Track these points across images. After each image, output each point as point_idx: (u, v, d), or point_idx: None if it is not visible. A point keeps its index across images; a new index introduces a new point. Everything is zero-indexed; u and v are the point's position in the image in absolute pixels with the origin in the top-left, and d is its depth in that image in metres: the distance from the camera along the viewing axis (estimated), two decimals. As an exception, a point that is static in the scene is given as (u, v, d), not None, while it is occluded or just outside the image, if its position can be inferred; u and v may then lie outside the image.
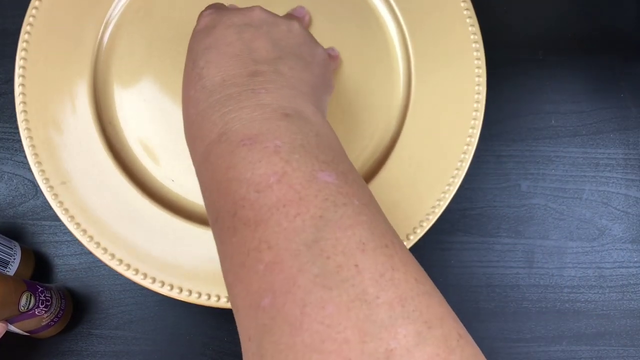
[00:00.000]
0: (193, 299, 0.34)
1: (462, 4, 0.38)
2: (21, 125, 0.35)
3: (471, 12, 0.38)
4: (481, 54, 0.38)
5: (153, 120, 0.38)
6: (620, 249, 0.43)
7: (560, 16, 0.46)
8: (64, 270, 0.41)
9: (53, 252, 0.41)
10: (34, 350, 0.40)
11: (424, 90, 0.38)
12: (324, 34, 0.39)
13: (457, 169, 0.36)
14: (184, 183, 0.37)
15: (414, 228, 0.35)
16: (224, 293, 0.34)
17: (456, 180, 0.36)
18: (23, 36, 0.36)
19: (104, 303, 0.40)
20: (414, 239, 0.35)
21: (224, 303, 0.34)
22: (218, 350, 0.40)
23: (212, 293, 0.34)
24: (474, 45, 0.38)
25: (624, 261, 0.43)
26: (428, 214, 0.35)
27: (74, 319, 0.40)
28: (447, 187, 0.36)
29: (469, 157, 0.36)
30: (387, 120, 0.38)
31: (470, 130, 0.36)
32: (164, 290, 0.34)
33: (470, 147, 0.36)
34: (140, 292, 0.40)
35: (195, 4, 0.38)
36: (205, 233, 0.35)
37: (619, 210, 0.44)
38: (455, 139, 0.37)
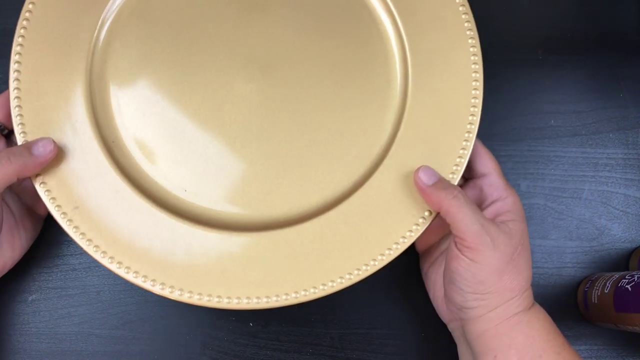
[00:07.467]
0: (194, 300, 0.34)
1: (460, 5, 0.38)
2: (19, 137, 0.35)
3: (468, 12, 0.38)
4: (477, 50, 0.37)
5: (151, 122, 0.38)
6: (620, 248, 0.43)
7: (560, 16, 0.46)
8: (64, 270, 0.41)
9: (53, 252, 0.41)
10: (34, 349, 0.40)
11: (421, 90, 0.38)
12: (321, 33, 0.39)
13: (452, 172, 0.36)
14: (190, 189, 0.37)
15: (410, 228, 0.35)
16: (225, 294, 0.34)
17: (454, 180, 0.36)
18: (17, 39, 0.36)
19: (104, 303, 0.41)
20: (410, 239, 0.35)
21: (225, 304, 0.34)
22: (218, 350, 0.40)
23: (213, 294, 0.34)
24: (470, 44, 0.38)
25: (623, 261, 0.43)
26: (424, 215, 0.35)
27: (74, 320, 0.40)
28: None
29: (466, 157, 0.36)
30: (384, 120, 0.38)
31: (467, 135, 0.36)
32: (165, 293, 0.34)
33: (467, 149, 0.36)
34: (140, 292, 0.41)
35: (190, 3, 0.39)
36: (208, 234, 0.35)
37: (618, 210, 0.44)
38: (453, 139, 0.37)
